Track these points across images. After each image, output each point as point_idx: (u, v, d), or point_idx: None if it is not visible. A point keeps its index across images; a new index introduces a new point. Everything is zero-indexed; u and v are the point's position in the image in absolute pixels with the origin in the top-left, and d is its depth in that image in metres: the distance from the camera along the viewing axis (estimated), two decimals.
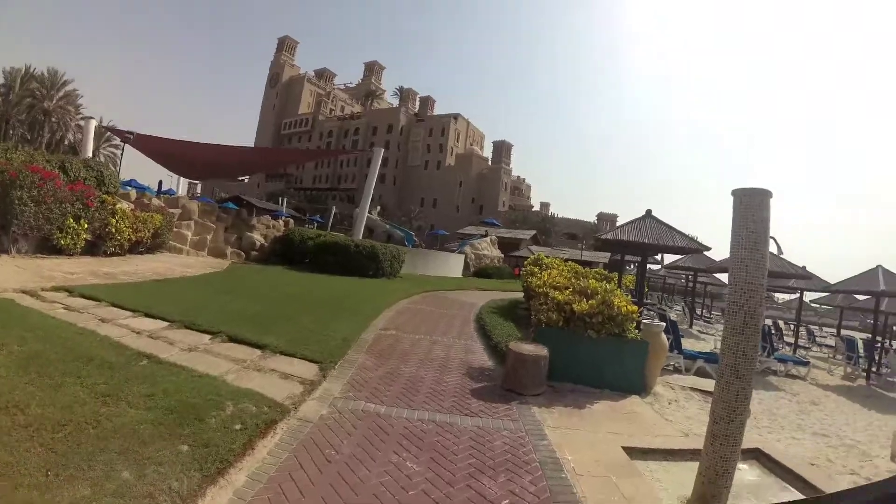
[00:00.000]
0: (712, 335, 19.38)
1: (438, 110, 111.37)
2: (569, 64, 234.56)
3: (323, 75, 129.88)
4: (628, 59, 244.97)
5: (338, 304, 10.38)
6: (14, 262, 10.78)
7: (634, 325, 7.10)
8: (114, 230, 13.87)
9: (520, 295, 18.59)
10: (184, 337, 6.36)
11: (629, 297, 7.65)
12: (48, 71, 46.43)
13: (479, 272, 35.02)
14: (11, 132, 41.93)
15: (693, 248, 10.58)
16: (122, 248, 14.46)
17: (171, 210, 18.79)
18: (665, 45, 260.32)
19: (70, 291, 8.22)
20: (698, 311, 24.81)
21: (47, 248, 12.35)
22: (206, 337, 6.45)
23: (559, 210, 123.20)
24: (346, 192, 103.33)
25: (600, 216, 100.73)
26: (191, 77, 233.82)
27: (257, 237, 20.69)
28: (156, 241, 16.38)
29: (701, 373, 9.75)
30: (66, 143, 46.84)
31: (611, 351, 6.71)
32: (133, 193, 19.36)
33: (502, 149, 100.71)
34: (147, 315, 7.15)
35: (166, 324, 6.86)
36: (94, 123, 22.60)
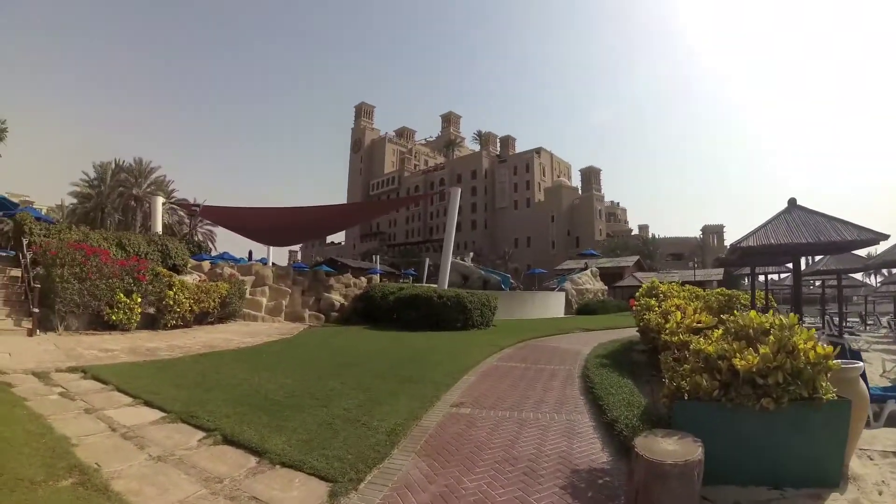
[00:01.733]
0: (866, 349, 15.01)
1: (519, 148, 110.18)
2: (648, 74, 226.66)
3: (403, 134, 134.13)
4: (719, 61, 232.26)
5: (405, 369, 8.41)
6: (55, 339, 10.51)
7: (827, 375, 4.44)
8: (171, 302, 13.16)
9: (632, 332, 15.71)
10: (168, 436, 4.81)
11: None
12: (135, 160, 50.81)
13: (583, 309, 31.91)
14: (109, 221, 45.46)
15: (868, 238, 7.57)
16: (185, 320, 13.75)
17: (244, 277, 18.17)
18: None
19: (85, 372, 7.33)
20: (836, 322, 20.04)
21: (100, 324, 12.03)
22: (198, 435, 4.84)
23: (659, 230, 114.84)
24: (439, 243, 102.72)
25: (705, 229, 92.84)
26: (280, 157, 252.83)
27: (336, 297, 19.51)
28: (225, 310, 15.56)
29: (892, 419, 6.58)
30: (163, 224, 50.23)
31: (794, 425, 4.13)
32: (206, 265, 19.10)
33: (590, 175, 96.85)
34: (146, 403, 5.84)
35: (162, 415, 5.44)
36: (160, 200, 23.13)
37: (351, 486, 3.79)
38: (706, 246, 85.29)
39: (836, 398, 4.24)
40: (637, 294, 12.15)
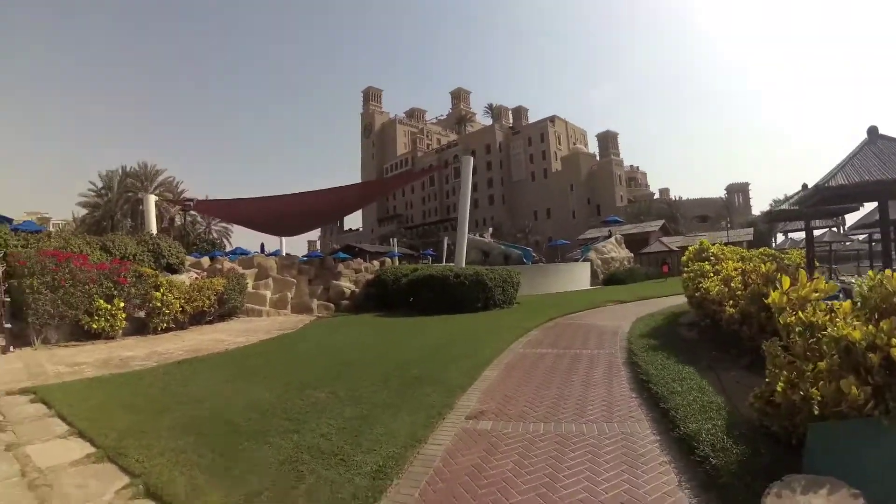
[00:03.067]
0: None
1: (532, 118, 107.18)
2: (664, 34, 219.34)
3: (413, 114, 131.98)
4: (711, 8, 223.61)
5: (413, 367, 7.01)
6: (30, 354, 9.39)
7: None
8: (159, 304, 12.03)
9: (669, 302, 14.23)
10: (83, 483, 3.62)
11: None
12: (139, 165, 50.30)
13: (610, 279, 30.18)
14: (120, 227, 45.03)
15: None
16: (178, 322, 12.66)
17: (246, 270, 17.01)
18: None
19: (35, 393, 6.17)
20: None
21: (82, 334, 10.88)
22: (119, 483, 3.60)
23: (681, 192, 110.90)
24: (457, 222, 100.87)
25: (730, 188, 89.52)
26: (291, 146, 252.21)
27: (346, 284, 18.22)
28: (224, 307, 14.41)
29: None
30: (178, 225, 50.03)
31: None
32: (206, 261, 18.01)
33: (607, 140, 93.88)
34: (80, 434, 4.64)
35: (90, 451, 4.22)
36: (153, 198, 21.99)
37: None
38: (731, 205, 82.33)
39: None
40: (683, 258, 10.52)
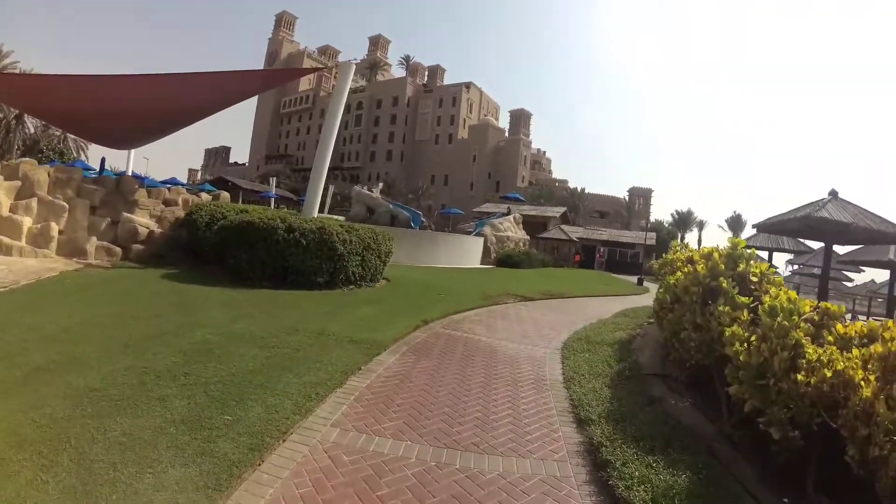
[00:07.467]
0: None
1: (448, 81, 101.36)
2: (582, 27, 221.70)
3: (326, 52, 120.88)
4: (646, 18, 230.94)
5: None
6: None
7: None
8: None
9: (590, 306, 10.16)
10: None
11: None
12: None
13: (504, 260, 26.24)
14: None
15: None
16: None
17: (5, 182, 10.49)
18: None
19: None
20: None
21: None
22: None
23: (579, 185, 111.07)
24: (350, 172, 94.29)
25: (633, 191, 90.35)
26: (186, 57, 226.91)
27: (142, 220, 12.00)
28: None
29: None
30: (30, 132, 39.67)
31: None
32: None
33: (520, 118, 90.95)
34: None
35: None
36: None
37: None
38: (631, 207, 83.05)
39: None
40: (699, 267, 5.60)
